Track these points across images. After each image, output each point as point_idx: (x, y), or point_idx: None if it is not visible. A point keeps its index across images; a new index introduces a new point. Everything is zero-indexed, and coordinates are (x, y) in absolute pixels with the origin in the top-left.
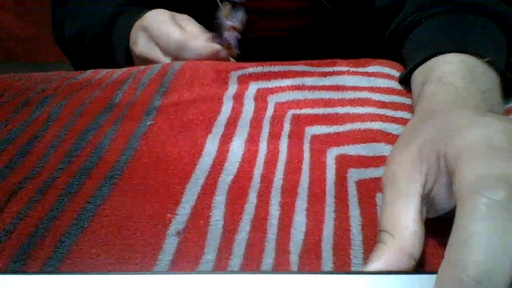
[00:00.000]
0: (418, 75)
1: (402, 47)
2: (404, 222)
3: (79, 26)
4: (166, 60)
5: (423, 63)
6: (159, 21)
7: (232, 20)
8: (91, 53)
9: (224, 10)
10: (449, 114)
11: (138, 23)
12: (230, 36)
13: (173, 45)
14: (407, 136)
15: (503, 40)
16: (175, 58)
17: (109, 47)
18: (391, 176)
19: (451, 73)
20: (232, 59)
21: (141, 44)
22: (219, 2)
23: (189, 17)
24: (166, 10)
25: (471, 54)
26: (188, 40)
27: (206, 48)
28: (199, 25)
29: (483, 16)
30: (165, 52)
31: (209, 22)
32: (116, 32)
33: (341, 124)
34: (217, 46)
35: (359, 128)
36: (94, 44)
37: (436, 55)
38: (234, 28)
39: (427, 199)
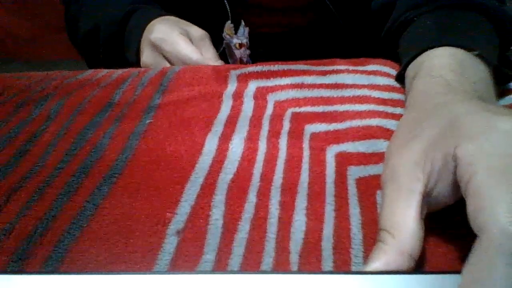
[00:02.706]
0: (410, 71)
1: (397, 46)
2: (404, 221)
3: (93, 23)
4: None
5: (415, 58)
6: (173, 41)
7: (238, 38)
8: (104, 51)
9: (228, 29)
10: (451, 109)
11: (146, 34)
12: (241, 53)
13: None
14: (405, 133)
15: (494, 35)
16: None
17: (122, 46)
18: (391, 174)
19: (441, 66)
20: None
21: (145, 56)
22: (229, 24)
23: (199, 30)
24: (174, 20)
25: (461, 48)
26: (206, 61)
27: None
28: (210, 44)
29: (474, 12)
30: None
31: (219, 33)
32: (128, 31)
33: (340, 122)
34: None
35: (358, 125)
36: (107, 42)
37: (426, 50)
38: (241, 45)
39: (428, 197)
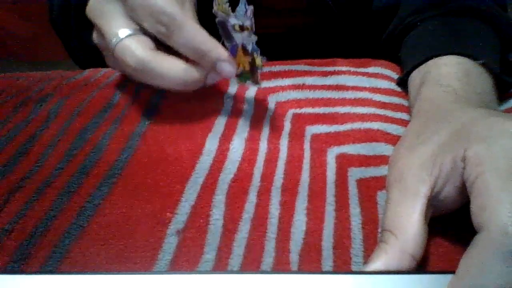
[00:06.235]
0: (415, 77)
1: (399, 50)
2: (408, 223)
3: None
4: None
5: (420, 65)
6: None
7: (237, 17)
8: (78, 25)
9: (219, 4)
10: (460, 115)
11: None
12: (243, 39)
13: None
14: (413, 138)
15: (497, 43)
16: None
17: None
18: (398, 176)
19: (448, 75)
20: (249, 82)
21: (91, 1)
22: None
23: None
24: None
25: (467, 56)
26: (153, 61)
27: (178, 75)
28: (191, 5)
29: (478, 19)
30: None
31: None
32: None
33: (341, 124)
34: (194, 74)
35: (360, 128)
36: (80, 8)
37: (432, 58)
38: (242, 27)
39: (434, 201)
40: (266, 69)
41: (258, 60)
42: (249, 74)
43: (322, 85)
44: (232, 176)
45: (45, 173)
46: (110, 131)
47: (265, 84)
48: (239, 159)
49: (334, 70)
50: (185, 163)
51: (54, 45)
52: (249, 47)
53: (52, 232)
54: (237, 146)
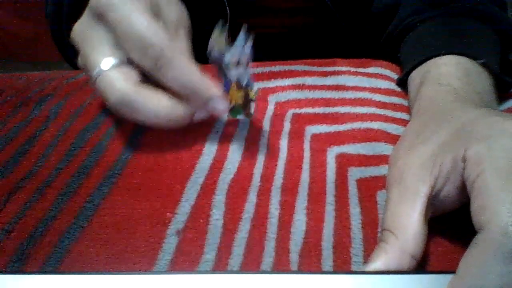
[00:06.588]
0: (415, 77)
1: (399, 50)
2: (408, 222)
3: None
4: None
5: (420, 65)
6: (128, 8)
7: (233, 52)
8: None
9: (217, 38)
10: (460, 115)
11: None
12: (238, 73)
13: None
14: (412, 138)
15: (497, 43)
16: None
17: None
18: (398, 176)
19: (448, 74)
20: (240, 116)
21: (79, 23)
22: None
23: (178, 11)
24: None
25: (466, 56)
26: (136, 97)
27: (162, 111)
28: (185, 34)
29: (477, 20)
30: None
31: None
32: None
33: (341, 124)
34: (181, 112)
35: (360, 128)
36: (71, 8)
37: (432, 58)
38: (238, 62)
39: (434, 201)
40: (266, 69)
41: (252, 93)
42: (241, 108)
43: (322, 85)
44: (232, 176)
45: (45, 173)
46: (110, 131)
47: (265, 84)
48: (239, 159)
49: (334, 70)
50: (185, 163)
51: (54, 45)
52: (244, 82)
53: (52, 232)
54: (237, 146)
